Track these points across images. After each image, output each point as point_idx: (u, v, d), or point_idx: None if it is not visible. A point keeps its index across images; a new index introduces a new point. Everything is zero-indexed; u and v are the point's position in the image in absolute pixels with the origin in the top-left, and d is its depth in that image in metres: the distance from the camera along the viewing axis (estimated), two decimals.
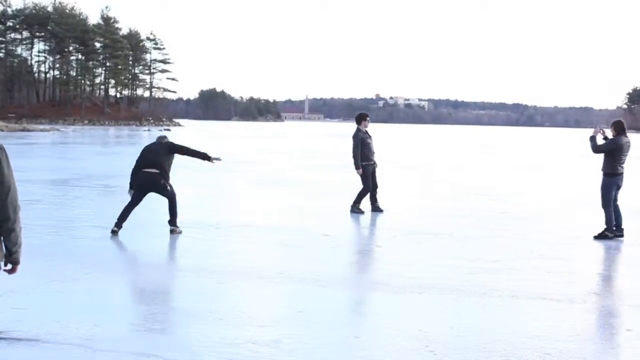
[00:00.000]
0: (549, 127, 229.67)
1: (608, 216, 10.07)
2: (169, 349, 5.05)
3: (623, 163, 10.13)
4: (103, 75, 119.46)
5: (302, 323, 5.78)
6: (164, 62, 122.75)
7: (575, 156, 37.25)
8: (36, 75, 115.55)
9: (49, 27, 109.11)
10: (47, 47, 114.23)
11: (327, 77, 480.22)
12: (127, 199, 10.04)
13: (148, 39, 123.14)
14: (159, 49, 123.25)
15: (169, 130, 69.97)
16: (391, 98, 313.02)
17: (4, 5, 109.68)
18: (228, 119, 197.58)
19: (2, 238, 3.77)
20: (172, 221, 9.85)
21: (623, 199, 10.38)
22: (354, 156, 12.56)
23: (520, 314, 6.19)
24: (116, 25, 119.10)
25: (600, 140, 10.35)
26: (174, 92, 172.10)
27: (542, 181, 20.79)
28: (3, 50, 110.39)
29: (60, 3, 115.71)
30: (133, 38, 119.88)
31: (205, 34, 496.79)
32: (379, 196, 12.83)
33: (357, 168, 12.55)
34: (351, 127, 14.99)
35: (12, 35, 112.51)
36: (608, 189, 10.08)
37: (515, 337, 5.46)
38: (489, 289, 7.02)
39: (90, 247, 8.98)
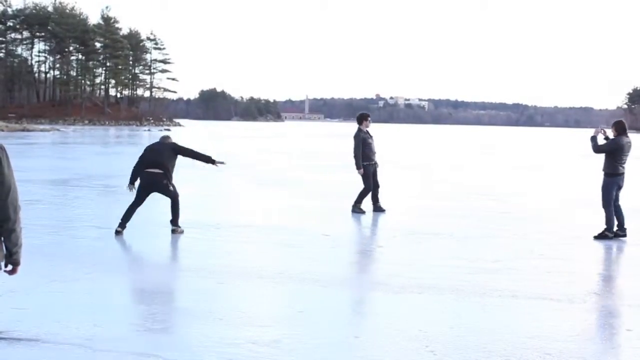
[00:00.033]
0: (549, 127, 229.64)
1: (608, 216, 10.08)
2: (169, 349, 5.05)
3: (624, 163, 10.14)
4: (103, 75, 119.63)
5: (302, 323, 5.78)
6: (164, 62, 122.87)
7: (575, 156, 37.25)
8: (36, 75, 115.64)
9: (49, 27, 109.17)
10: (47, 47, 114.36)
11: (327, 77, 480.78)
12: (127, 198, 10.04)
13: (148, 39, 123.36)
14: (159, 49, 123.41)
15: (169, 130, 69.95)
16: (391, 98, 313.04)
17: (4, 5, 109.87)
18: (228, 119, 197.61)
19: (2, 238, 3.77)
20: (174, 221, 9.86)
21: (624, 199, 10.38)
22: (355, 156, 12.57)
23: (520, 314, 6.19)
24: (116, 25, 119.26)
25: (601, 141, 10.35)
26: (174, 92, 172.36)
27: (542, 181, 20.79)
28: (3, 50, 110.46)
29: (60, 3, 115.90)
30: (133, 38, 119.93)
31: (205, 34, 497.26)
32: (380, 196, 12.83)
33: (358, 168, 12.56)
34: (351, 127, 15.00)
35: (13, 35, 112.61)
36: (609, 189, 10.08)
37: (515, 337, 5.46)
38: (489, 289, 7.02)
39: (90, 247, 8.98)
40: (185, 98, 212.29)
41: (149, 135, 58.64)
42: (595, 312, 6.48)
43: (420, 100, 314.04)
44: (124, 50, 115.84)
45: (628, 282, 7.87)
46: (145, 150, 9.97)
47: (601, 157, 10.36)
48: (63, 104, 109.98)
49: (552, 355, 5.07)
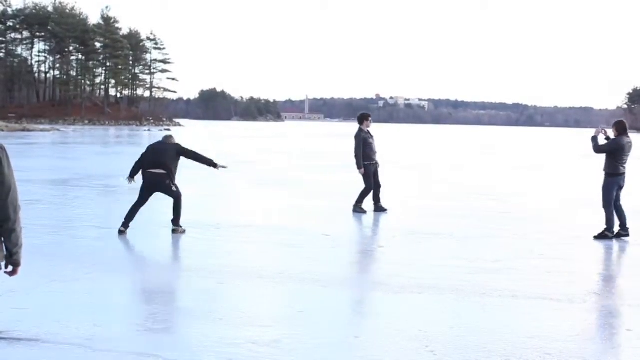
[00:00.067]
0: (549, 127, 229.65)
1: (608, 216, 10.07)
2: (169, 349, 5.05)
3: (625, 163, 10.14)
4: (103, 75, 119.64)
5: (302, 323, 5.78)
6: (164, 62, 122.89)
7: (575, 156, 37.26)
8: (36, 75, 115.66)
9: (49, 27, 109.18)
10: (47, 47, 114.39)
11: (327, 77, 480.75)
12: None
13: (148, 39, 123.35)
14: (159, 49, 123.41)
15: (169, 130, 69.96)
16: (391, 98, 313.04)
17: (4, 5, 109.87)
18: (228, 119, 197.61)
19: (2, 239, 3.75)
20: (175, 221, 9.87)
21: (624, 200, 10.37)
22: (356, 156, 12.59)
23: (520, 314, 6.19)
24: (116, 25, 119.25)
25: (602, 141, 10.35)
26: (174, 92, 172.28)
27: (542, 181, 20.79)
28: (3, 50, 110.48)
29: (60, 3, 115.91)
30: (133, 38, 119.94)
31: (205, 34, 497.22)
32: (382, 196, 12.84)
33: (359, 168, 12.58)
34: (351, 127, 15.01)
35: (13, 35, 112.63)
36: (609, 189, 10.08)
37: (515, 337, 5.46)
38: (489, 289, 7.02)
39: (90, 247, 8.98)
40: (185, 98, 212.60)
41: (149, 135, 58.65)
42: (595, 312, 6.48)
43: (420, 100, 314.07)
44: (124, 50, 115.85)
45: (628, 282, 7.87)
46: (148, 149, 9.98)
47: (601, 157, 10.36)
48: (63, 104, 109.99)
49: (552, 355, 5.07)
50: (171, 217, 9.90)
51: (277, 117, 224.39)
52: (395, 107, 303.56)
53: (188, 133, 65.20)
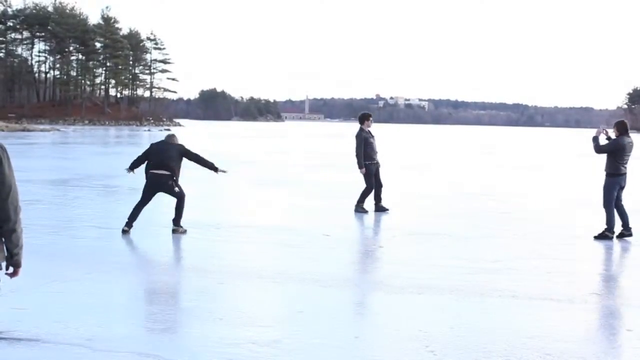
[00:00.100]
0: (549, 127, 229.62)
1: (609, 216, 10.07)
2: (169, 349, 5.05)
3: (626, 163, 10.14)
4: (103, 75, 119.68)
5: (302, 323, 5.78)
6: (164, 62, 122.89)
7: (575, 156, 37.25)
8: (36, 75, 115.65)
9: (49, 27, 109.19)
10: (47, 47, 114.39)
11: (327, 77, 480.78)
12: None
13: (148, 39, 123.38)
14: (159, 49, 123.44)
15: (169, 130, 69.93)
16: (391, 98, 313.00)
17: (4, 5, 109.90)
18: (228, 119, 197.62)
19: (3, 240, 3.72)
20: (176, 221, 9.88)
21: (625, 200, 10.36)
22: (357, 155, 12.60)
23: (520, 314, 6.19)
24: (116, 25, 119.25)
25: (603, 141, 10.35)
26: (174, 92, 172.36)
27: (542, 181, 20.78)
28: (3, 50, 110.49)
29: (60, 3, 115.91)
30: (133, 38, 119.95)
31: (205, 34, 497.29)
32: (383, 195, 12.84)
33: (360, 167, 12.60)
34: (351, 127, 15.01)
35: (13, 35, 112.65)
36: (610, 190, 10.08)
37: (515, 337, 5.45)
38: (489, 289, 7.02)
39: (90, 247, 8.98)
40: (185, 98, 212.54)
41: (149, 135, 58.65)
42: (595, 312, 6.48)
43: (420, 100, 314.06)
44: (124, 50, 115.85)
45: (629, 282, 7.87)
46: (152, 147, 9.99)
47: (601, 158, 10.36)
48: (63, 104, 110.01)
49: (552, 355, 5.06)
50: (172, 216, 9.92)
51: (277, 117, 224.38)
52: (395, 107, 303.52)
53: (188, 133, 65.18)
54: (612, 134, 10.30)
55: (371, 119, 13.01)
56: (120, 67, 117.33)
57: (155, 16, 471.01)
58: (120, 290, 6.96)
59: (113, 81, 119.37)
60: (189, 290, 6.99)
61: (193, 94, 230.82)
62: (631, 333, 5.82)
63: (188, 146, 10.21)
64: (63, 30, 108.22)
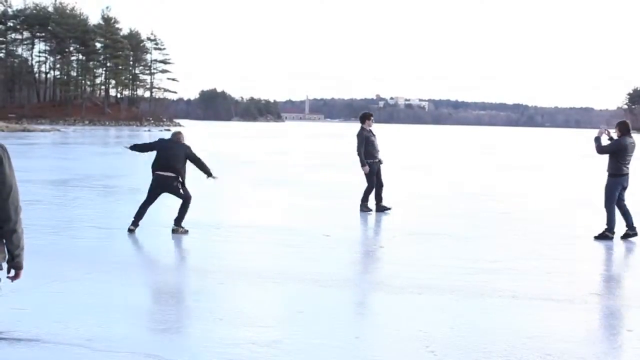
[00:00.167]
0: (550, 128, 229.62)
1: (609, 217, 10.06)
2: (169, 349, 5.05)
3: (628, 164, 10.13)
4: (103, 75, 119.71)
5: (302, 323, 5.78)
6: (164, 62, 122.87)
7: (575, 156, 37.26)
8: (37, 75, 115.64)
9: (49, 28, 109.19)
10: (47, 48, 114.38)
11: (327, 77, 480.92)
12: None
13: (148, 39, 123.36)
14: (159, 49, 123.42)
15: (169, 130, 69.90)
16: (391, 98, 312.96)
17: (4, 6, 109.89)
18: (228, 119, 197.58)
19: (3, 240, 3.67)
20: (178, 221, 9.89)
21: (628, 200, 10.35)
22: (359, 154, 12.62)
23: (520, 314, 6.19)
24: (117, 26, 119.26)
25: (605, 141, 10.35)
26: (175, 92, 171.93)
27: (542, 181, 20.78)
28: (4, 51, 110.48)
29: (60, 3, 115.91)
30: (133, 38, 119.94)
31: (205, 34, 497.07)
32: (384, 195, 12.84)
33: (362, 165, 12.63)
34: (351, 127, 15.01)
35: (13, 35, 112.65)
36: (612, 190, 10.07)
37: (515, 337, 5.45)
38: (489, 289, 7.02)
39: (90, 247, 8.98)
40: (185, 98, 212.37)
41: (149, 135, 58.62)
42: (595, 313, 6.48)
43: (420, 100, 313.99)
44: (124, 51, 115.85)
45: (629, 282, 7.87)
46: (160, 144, 10.00)
47: (602, 158, 10.36)
48: (63, 104, 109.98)
49: (552, 355, 5.06)
50: (173, 216, 9.93)
51: (277, 118, 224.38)
52: (395, 108, 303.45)
53: (188, 133, 65.13)
54: (614, 134, 10.29)
55: (372, 118, 13.03)
56: (120, 67, 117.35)
57: (155, 16, 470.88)
58: (120, 290, 6.96)
59: (113, 81, 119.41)
60: (189, 290, 7.00)
61: (193, 94, 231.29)
62: (631, 333, 5.82)
63: (193, 148, 10.24)
64: (63, 30, 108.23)
